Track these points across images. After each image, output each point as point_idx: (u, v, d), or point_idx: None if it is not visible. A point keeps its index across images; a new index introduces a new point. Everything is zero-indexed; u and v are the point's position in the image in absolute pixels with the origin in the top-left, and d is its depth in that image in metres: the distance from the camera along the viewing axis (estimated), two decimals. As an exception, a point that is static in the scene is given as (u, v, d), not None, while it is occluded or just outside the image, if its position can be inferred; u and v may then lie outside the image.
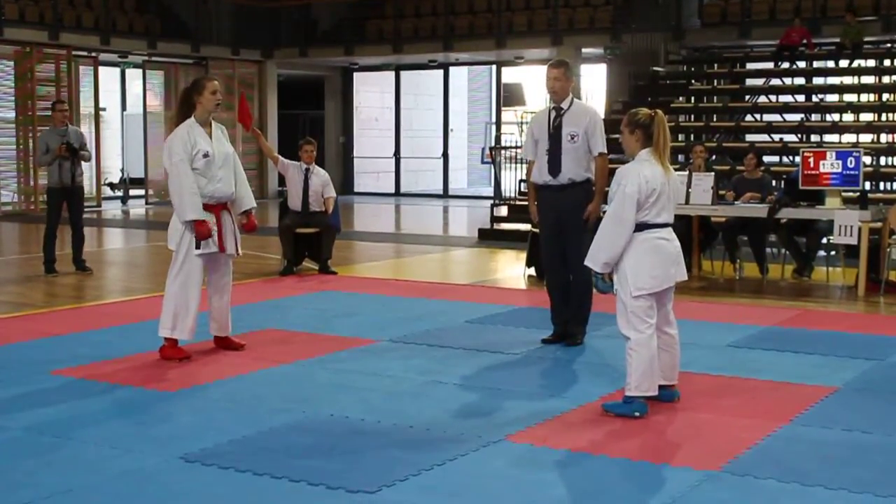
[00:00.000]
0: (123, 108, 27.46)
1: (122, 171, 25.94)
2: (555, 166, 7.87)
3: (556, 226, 7.98)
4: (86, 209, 12.60)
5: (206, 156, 7.28)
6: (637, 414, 5.97)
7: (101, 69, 23.88)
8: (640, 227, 6.03)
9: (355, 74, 28.79)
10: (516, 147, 21.39)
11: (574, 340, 8.01)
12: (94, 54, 23.40)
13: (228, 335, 7.84)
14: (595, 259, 6.10)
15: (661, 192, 6.05)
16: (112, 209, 23.55)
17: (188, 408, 6.18)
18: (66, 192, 11.98)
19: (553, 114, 7.94)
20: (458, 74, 29.06)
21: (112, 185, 25.88)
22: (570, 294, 8.06)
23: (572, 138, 7.83)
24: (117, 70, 26.68)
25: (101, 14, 23.40)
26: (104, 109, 24.79)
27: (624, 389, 6.09)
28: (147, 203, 24.82)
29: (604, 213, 6.46)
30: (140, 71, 25.18)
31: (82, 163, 12.12)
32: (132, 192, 25.30)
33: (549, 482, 4.88)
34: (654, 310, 6.07)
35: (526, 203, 17.39)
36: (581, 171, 7.89)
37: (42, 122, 21.91)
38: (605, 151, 7.98)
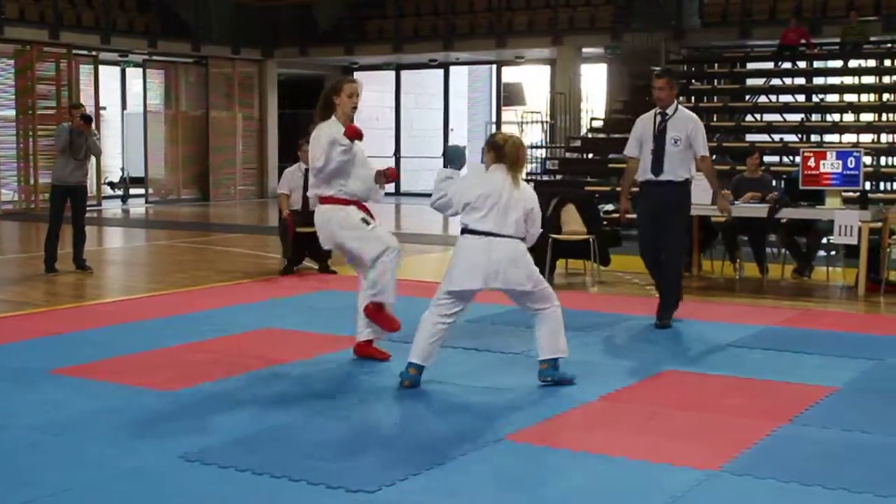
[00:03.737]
0: (124, 107, 27.47)
1: (123, 170, 25.95)
2: (657, 166, 8.71)
3: (653, 217, 8.78)
4: (87, 208, 12.58)
5: (345, 151, 7.11)
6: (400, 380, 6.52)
7: (102, 68, 23.89)
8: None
9: (356, 74, 28.76)
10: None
11: (662, 323, 8.72)
12: (94, 53, 23.42)
13: (370, 339, 7.52)
14: None
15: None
16: (112, 208, 23.55)
17: (188, 407, 6.18)
18: (70, 191, 11.99)
19: (659, 118, 8.77)
20: (459, 74, 29.06)
21: (112, 184, 25.89)
22: (662, 280, 8.89)
23: (675, 142, 8.65)
24: (118, 69, 26.69)
25: (101, 13, 23.42)
26: (104, 108, 24.80)
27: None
28: (147, 202, 24.82)
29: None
30: (140, 70, 25.18)
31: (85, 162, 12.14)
32: (132, 191, 25.31)
33: (549, 481, 4.88)
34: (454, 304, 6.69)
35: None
36: (680, 172, 8.71)
37: (42, 121, 21.96)
38: (708, 154, 8.91)
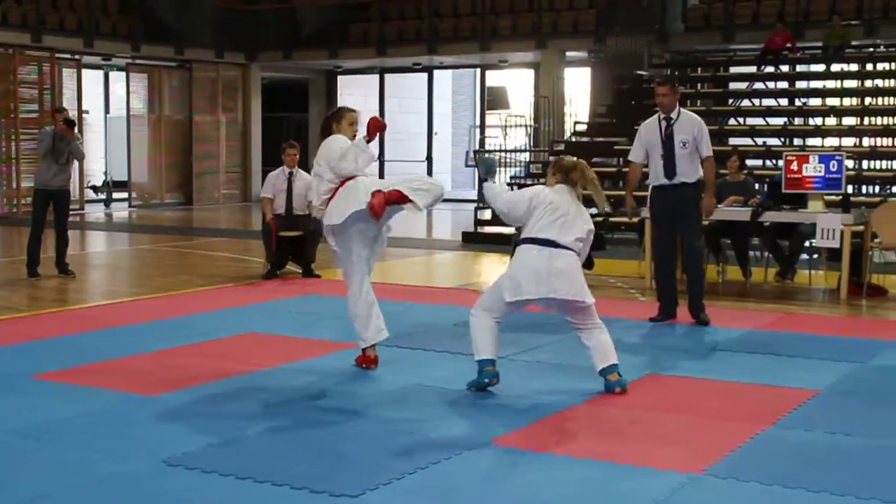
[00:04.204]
0: (107, 110, 27.38)
1: (106, 174, 25.88)
2: (670, 170, 9.02)
3: (668, 220, 9.17)
4: (70, 212, 12.55)
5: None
6: (486, 380, 6.56)
7: (84, 72, 23.81)
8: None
9: (339, 77, 28.78)
10: (500, 150, 21.44)
11: (700, 320, 9.10)
12: (77, 57, 23.33)
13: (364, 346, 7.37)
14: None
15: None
16: (95, 212, 23.48)
17: (171, 412, 6.16)
18: (52, 195, 11.94)
19: (664, 124, 9.08)
20: (443, 77, 29.07)
21: (95, 189, 25.81)
22: (688, 278, 9.33)
23: (684, 145, 8.97)
24: (100, 73, 26.60)
25: (83, 16, 23.35)
26: (87, 112, 24.71)
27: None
28: (130, 206, 24.74)
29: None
30: (123, 74, 25.11)
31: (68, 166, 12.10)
32: (115, 195, 25.23)
33: (534, 485, 4.88)
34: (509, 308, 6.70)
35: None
36: (692, 173, 9.05)
37: (25, 125, 21.88)
38: (711, 155, 9.15)
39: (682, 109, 9.17)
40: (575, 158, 6.91)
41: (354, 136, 7.23)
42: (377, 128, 7.07)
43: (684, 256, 9.62)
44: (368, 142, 7.10)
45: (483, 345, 6.66)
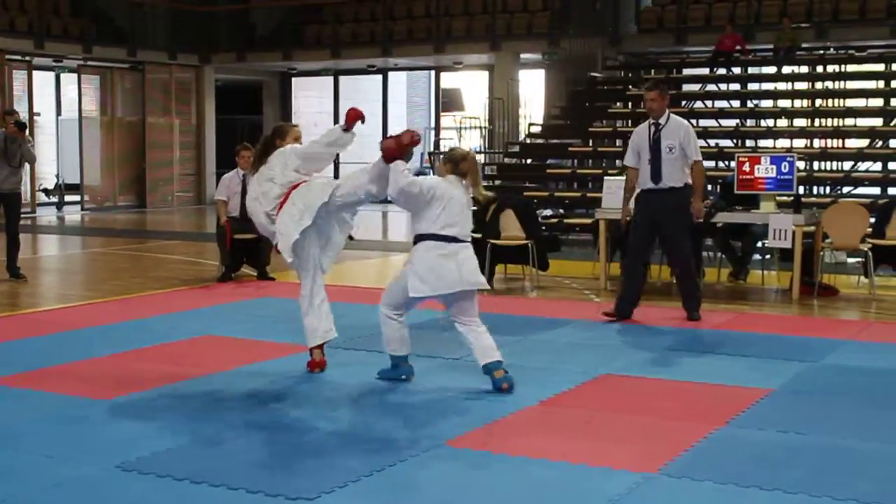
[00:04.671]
0: (58, 113, 27.09)
1: (58, 176, 25.62)
2: (656, 174, 9.16)
3: (650, 224, 9.28)
4: (22, 216, 12.43)
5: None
6: (403, 377, 6.84)
7: (35, 73, 23.58)
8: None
9: (294, 79, 28.70)
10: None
11: (692, 316, 9.35)
12: (27, 58, 23.11)
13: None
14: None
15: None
16: (47, 215, 23.25)
17: (125, 416, 6.12)
18: (3, 198, 11.83)
19: (653, 129, 9.26)
20: (397, 80, 29.05)
21: (47, 192, 25.55)
22: (678, 282, 9.71)
23: (670, 150, 9.14)
24: (52, 74, 26.33)
25: (34, 18, 23.12)
26: (38, 115, 24.46)
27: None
28: (83, 209, 24.53)
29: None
30: (75, 75, 24.89)
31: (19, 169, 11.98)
32: (67, 198, 24.99)
33: (489, 486, 4.89)
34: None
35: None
36: (678, 178, 9.19)
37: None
38: (700, 159, 9.30)
39: (671, 115, 9.36)
40: (466, 149, 7.06)
41: None
42: (356, 117, 7.12)
43: (672, 259, 9.81)
44: (345, 131, 7.20)
45: (397, 342, 6.88)
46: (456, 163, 6.83)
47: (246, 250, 12.12)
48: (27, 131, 12.06)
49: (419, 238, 6.73)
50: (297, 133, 7.35)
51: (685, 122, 9.43)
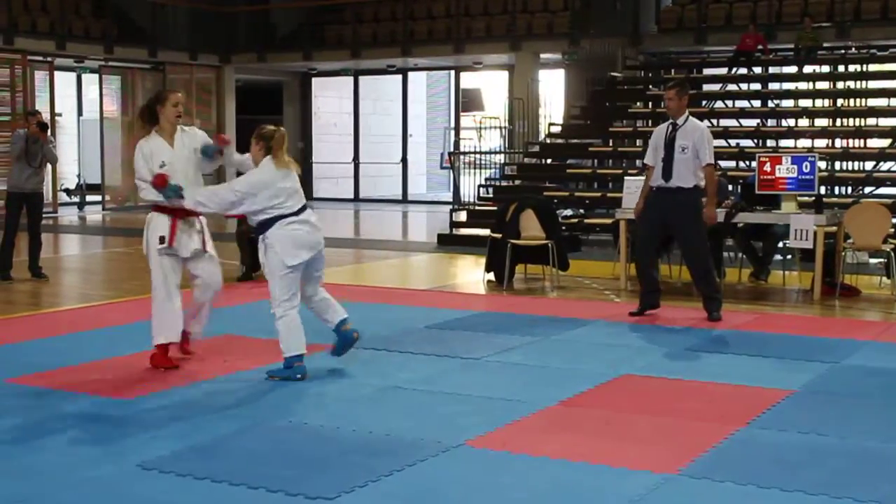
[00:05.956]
0: (80, 113, 27.21)
1: (79, 176, 25.72)
2: (667, 172, 9.29)
3: (659, 222, 9.48)
4: (43, 215, 12.50)
5: (162, 165, 7.30)
6: (298, 376, 6.94)
7: (57, 74, 23.68)
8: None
9: (314, 79, 28.73)
10: (475, 152, 21.45)
11: (712, 317, 9.35)
12: (49, 59, 23.20)
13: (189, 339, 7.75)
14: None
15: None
16: (68, 215, 23.35)
17: (146, 415, 6.14)
18: (26, 198, 11.89)
19: (670, 128, 9.39)
20: (417, 79, 29.04)
21: (68, 191, 25.66)
22: (696, 282, 9.65)
23: (683, 150, 9.23)
24: (73, 75, 26.46)
25: (56, 19, 23.21)
26: (60, 115, 24.57)
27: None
28: (104, 209, 24.62)
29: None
30: (96, 76, 24.98)
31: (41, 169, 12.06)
32: (89, 198, 25.09)
33: (509, 487, 4.89)
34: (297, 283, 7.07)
35: (484, 208, 17.52)
36: (689, 179, 9.26)
37: (-2, 127, 21.74)
38: (712, 162, 9.38)
39: (691, 117, 9.44)
40: (273, 127, 7.18)
41: (178, 116, 7.53)
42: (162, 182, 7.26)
43: (687, 259, 9.92)
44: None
45: (294, 341, 7.01)
46: (267, 139, 7.05)
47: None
48: (49, 132, 12.13)
49: (265, 225, 6.99)
50: (175, 99, 7.52)
51: (703, 125, 9.52)
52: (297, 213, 7.01)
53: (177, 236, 7.39)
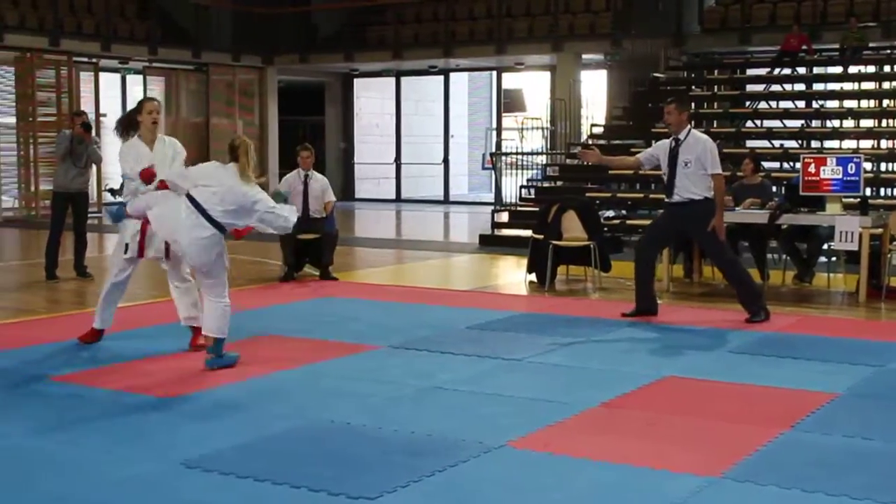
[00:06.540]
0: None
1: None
2: (669, 187, 9.33)
3: (675, 230, 9.75)
4: (88, 215, 12.61)
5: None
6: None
7: (102, 75, 23.90)
8: None
9: (356, 80, 28.80)
10: (517, 153, 21.42)
11: (752, 319, 9.26)
12: (94, 60, 23.42)
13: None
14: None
15: None
16: (113, 215, 23.52)
17: (188, 414, 6.18)
18: (71, 198, 12.01)
19: (673, 143, 9.34)
20: (459, 80, 29.05)
21: (113, 191, 25.84)
22: (733, 286, 9.63)
23: (686, 164, 9.20)
24: (118, 76, 26.67)
25: (101, 20, 23.42)
26: (105, 115, 24.78)
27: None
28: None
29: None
30: (141, 77, 25.18)
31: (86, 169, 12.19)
32: (132, 198, 25.25)
33: (551, 488, 4.88)
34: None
35: (526, 208, 17.48)
36: (694, 191, 9.21)
37: (43, 128, 21.96)
38: (720, 172, 9.31)
39: (692, 131, 9.42)
40: (240, 137, 7.81)
41: (155, 122, 8.18)
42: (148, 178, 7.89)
43: (717, 265, 10.27)
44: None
45: (224, 323, 7.39)
46: (233, 149, 7.59)
47: (308, 250, 12.20)
48: (93, 132, 12.25)
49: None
50: (150, 107, 8.17)
51: (705, 137, 9.47)
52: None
53: (147, 237, 8.00)
